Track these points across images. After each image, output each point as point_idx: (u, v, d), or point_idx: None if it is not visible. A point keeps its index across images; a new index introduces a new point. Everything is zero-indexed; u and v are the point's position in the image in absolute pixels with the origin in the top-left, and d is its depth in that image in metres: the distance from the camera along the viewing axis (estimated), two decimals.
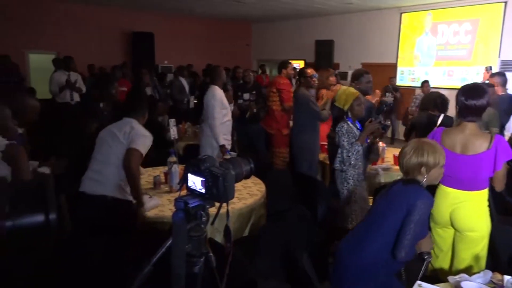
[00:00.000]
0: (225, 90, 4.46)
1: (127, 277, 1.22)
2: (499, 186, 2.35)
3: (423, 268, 2.03)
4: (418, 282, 1.86)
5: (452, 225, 2.42)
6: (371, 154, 3.43)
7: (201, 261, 1.24)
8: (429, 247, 2.09)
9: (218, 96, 4.12)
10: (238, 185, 3.12)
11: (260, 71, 11.17)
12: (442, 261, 2.55)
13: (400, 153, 2.10)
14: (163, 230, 2.62)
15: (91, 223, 2.55)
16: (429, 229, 2.40)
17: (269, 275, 2.76)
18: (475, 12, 8.06)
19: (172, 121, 4.26)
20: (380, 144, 4.33)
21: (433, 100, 3.75)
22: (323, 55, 10.72)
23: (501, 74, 4.91)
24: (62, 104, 6.57)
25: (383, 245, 1.96)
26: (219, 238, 2.67)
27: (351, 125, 3.26)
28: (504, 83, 4.73)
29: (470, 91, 2.36)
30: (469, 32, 8.17)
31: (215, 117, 4.09)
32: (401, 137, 4.05)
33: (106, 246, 2.32)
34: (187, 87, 8.09)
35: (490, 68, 6.50)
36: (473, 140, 2.33)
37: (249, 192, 3.15)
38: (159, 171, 3.49)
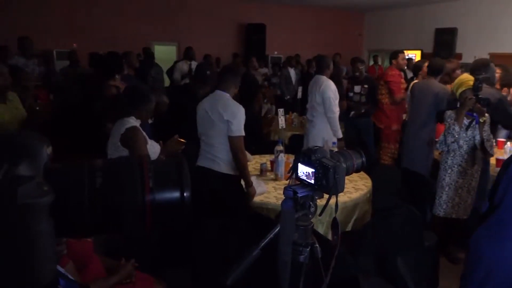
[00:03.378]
0: (337, 83, 4.34)
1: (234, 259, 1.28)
2: None
3: None
4: None
5: None
6: (483, 145, 3.11)
7: (306, 251, 1.25)
8: None
9: (333, 87, 4.06)
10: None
11: (372, 62, 10.74)
12: None
13: None
14: (267, 216, 2.71)
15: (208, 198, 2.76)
16: None
17: (371, 274, 2.68)
18: None
19: (281, 111, 4.33)
20: (509, 144, 3.89)
21: None
22: (444, 44, 9.85)
23: None
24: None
25: None
26: (321, 229, 2.67)
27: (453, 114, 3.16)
28: None
29: None
30: None
31: (334, 110, 4.03)
32: None
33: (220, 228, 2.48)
34: (294, 78, 8.15)
35: None
36: None
37: (354, 186, 3.08)
38: (266, 159, 3.58)
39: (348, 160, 1.33)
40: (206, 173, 2.84)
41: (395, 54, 5.14)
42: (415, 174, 3.71)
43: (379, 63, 10.74)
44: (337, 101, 4.09)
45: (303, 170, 1.30)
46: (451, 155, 3.17)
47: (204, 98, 2.99)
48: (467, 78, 3.17)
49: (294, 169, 1.32)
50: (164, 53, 10.53)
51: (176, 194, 0.61)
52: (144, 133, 2.48)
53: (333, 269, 1.27)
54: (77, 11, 9.67)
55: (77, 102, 5.01)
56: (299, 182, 1.33)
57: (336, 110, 4.05)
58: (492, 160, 3.51)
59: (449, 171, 3.20)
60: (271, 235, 1.23)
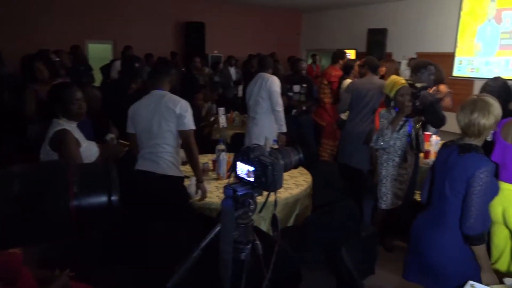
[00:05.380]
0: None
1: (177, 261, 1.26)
2: None
3: None
4: (471, 282, 1.78)
5: (506, 225, 2.29)
6: (415, 142, 3.33)
7: (247, 248, 1.26)
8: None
9: (278, 82, 4.15)
10: (284, 175, 3.15)
11: (311, 61, 11.03)
12: (500, 263, 2.43)
13: (463, 116, 1.97)
14: (210, 216, 2.69)
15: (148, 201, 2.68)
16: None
17: (313, 267, 2.76)
18: None
19: (222, 110, 4.32)
20: (434, 137, 4.17)
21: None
22: (376, 44, 10.38)
23: None
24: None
25: (456, 220, 1.94)
26: (264, 226, 2.70)
27: (393, 112, 3.28)
28: None
29: None
30: None
31: (281, 104, 4.12)
32: (450, 129, 3.83)
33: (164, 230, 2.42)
34: (234, 76, 8.18)
35: None
36: None
37: (295, 182, 3.15)
38: (208, 158, 3.56)
39: (286, 157, 1.35)
40: (147, 176, 2.75)
41: (342, 54, 5.33)
42: (352, 169, 3.88)
43: (317, 62, 11.06)
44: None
45: (242, 169, 1.31)
46: (386, 151, 3.34)
47: (136, 93, 2.88)
48: (397, 78, 3.35)
49: (234, 167, 1.33)
50: (99, 52, 10.09)
51: (103, 199, 0.58)
52: (79, 135, 2.35)
53: (274, 264, 1.29)
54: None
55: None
56: (238, 181, 1.34)
57: (282, 103, 4.14)
58: (420, 153, 3.76)
59: (384, 165, 3.36)
60: (212, 235, 1.23)
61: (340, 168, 4.13)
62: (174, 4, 11.11)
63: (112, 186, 0.60)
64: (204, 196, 2.75)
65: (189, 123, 2.69)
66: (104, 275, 2.32)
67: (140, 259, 2.47)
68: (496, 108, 1.93)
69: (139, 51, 8.97)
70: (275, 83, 4.11)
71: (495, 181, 2.01)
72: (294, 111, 5.29)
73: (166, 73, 2.81)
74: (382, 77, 4.33)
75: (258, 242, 1.31)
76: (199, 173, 2.76)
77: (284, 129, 4.16)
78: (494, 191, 1.94)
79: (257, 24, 12.43)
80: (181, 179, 2.80)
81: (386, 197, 3.39)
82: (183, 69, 6.37)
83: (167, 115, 2.67)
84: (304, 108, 5.28)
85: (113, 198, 0.59)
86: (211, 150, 3.52)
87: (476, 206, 1.85)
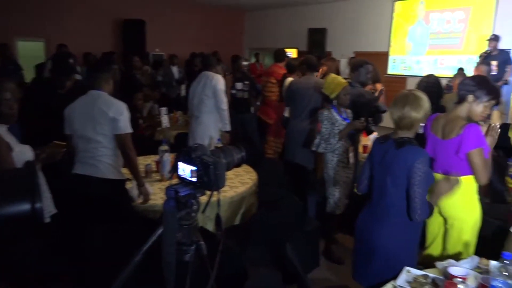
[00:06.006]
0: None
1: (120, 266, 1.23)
2: (478, 178, 2.32)
3: None
4: (407, 268, 1.88)
5: (440, 213, 2.46)
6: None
7: (191, 249, 1.25)
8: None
9: (222, 81, 4.14)
10: (229, 174, 3.13)
11: (255, 60, 11.13)
12: (432, 248, 2.59)
13: (396, 110, 2.08)
14: (155, 219, 2.63)
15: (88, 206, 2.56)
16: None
17: (260, 264, 2.79)
18: (466, 0, 8.07)
19: (164, 110, 4.24)
20: (374, 134, 4.36)
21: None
22: (316, 43, 10.68)
23: (487, 64, 5.53)
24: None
25: (400, 209, 2.05)
26: (210, 226, 2.68)
27: (333, 112, 3.32)
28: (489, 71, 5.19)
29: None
30: (462, 20, 8.19)
31: (225, 102, 4.11)
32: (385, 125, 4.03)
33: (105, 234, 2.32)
34: (177, 76, 8.05)
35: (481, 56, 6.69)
36: (451, 125, 2.37)
37: (240, 180, 3.16)
38: (151, 159, 3.48)
39: (228, 156, 1.36)
40: (85, 180, 2.62)
41: (284, 53, 5.44)
42: (297, 166, 3.97)
43: (260, 61, 11.19)
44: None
45: (184, 169, 1.30)
46: (330, 153, 3.37)
47: (70, 92, 2.75)
48: (337, 78, 3.42)
49: (175, 168, 1.31)
50: (30, 50, 9.48)
51: (26, 206, 0.55)
52: (10, 138, 2.19)
53: (220, 264, 1.29)
54: None
55: None
56: (181, 181, 1.32)
57: (226, 101, 4.15)
58: (359, 148, 3.93)
59: (329, 166, 3.39)
60: (154, 238, 1.20)
61: (285, 165, 4.21)
62: (111, 0, 10.70)
63: (36, 193, 0.56)
64: (146, 198, 2.68)
65: (124, 127, 2.60)
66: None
67: (80, 267, 2.37)
68: (425, 102, 2.06)
69: (74, 49, 8.52)
70: (220, 81, 4.11)
71: (431, 170, 2.14)
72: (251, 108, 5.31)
73: (102, 73, 2.70)
74: (324, 76, 4.46)
75: (202, 242, 1.31)
76: (139, 177, 2.68)
77: (228, 128, 4.17)
78: (431, 179, 2.07)
79: (199, 22, 12.30)
80: (122, 182, 2.70)
81: (333, 199, 3.40)
82: (116, 67, 6.09)
83: (100, 119, 2.56)
84: (252, 109, 5.34)
85: (37, 205, 0.56)
86: (155, 151, 3.44)
87: (419, 197, 1.97)
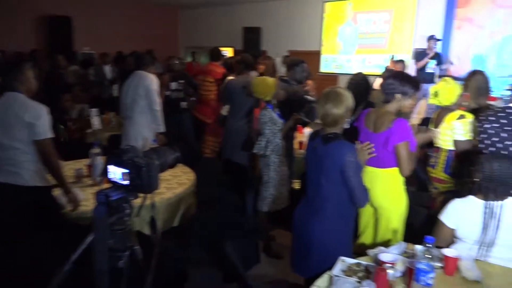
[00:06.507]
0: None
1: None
2: (401, 169, 2.46)
3: None
4: (342, 258, 1.97)
5: (370, 203, 2.60)
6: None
7: (125, 255, 1.20)
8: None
9: (156, 81, 4.02)
10: (166, 175, 3.10)
11: (192, 59, 10.98)
12: (364, 237, 2.74)
13: (319, 106, 2.17)
14: (86, 226, 2.50)
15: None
16: None
17: (200, 264, 2.77)
18: (390, 3, 8.58)
19: (94, 111, 4.04)
20: (307, 129, 4.50)
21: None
22: (251, 42, 10.78)
23: (402, 61, 6.23)
24: None
25: (334, 203, 2.14)
26: (148, 229, 2.61)
27: (272, 112, 3.36)
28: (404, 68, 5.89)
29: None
30: (387, 21, 8.69)
31: (158, 102, 3.99)
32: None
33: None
34: (109, 75, 7.73)
35: (392, 57, 7.23)
36: (381, 120, 2.52)
37: (178, 181, 3.11)
38: (82, 164, 3.31)
39: (162, 157, 1.33)
40: (6, 189, 2.42)
41: (218, 52, 5.41)
42: (235, 164, 3.98)
43: (196, 59, 11.06)
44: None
45: (115, 172, 1.25)
46: (273, 154, 3.38)
47: None
48: (264, 80, 3.43)
49: (105, 172, 1.26)
50: None
51: None
52: None
53: (158, 267, 1.26)
54: None
55: None
56: (112, 185, 1.27)
57: (159, 102, 4.04)
58: (295, 145, 4.04)
59: (271, 167, 3.38)
60: (84, 246, 1.15)
61: (223, 164, 4.21)
62: None
63: None
64: (76, 205, 2.54)
65: (43, 132, 2.43)
66: None
67: (6, 281, 2.19)
68: (346, 98, 2.14)
69: None
70: (153, 81, 4.00)
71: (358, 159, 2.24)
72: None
73: (16, 74, 2.50)
74: (262, 74, 4.52)
75: (137, 247, 1.27)
76: (64, 183, 2.52)
77: (162, 129, 4.07)
78: (361, 168, 2.18)
79: (132, 20, 11.88)
80: (47, 189, 2.53)
81: (267, 200, 3.41)
82: (29, 67, 5.66)
83: (15, 124, 2.38)
84: (185, 106, 5.24)
85: None
86: (86, 155, 3.27)
87: (357, 186, 2.09)
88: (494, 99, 3.54)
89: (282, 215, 3.37)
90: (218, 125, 4.91)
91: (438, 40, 7.18)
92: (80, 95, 5.37)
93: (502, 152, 2.53)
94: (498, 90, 6.06)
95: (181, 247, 2.70)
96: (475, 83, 3.19)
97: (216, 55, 5.52)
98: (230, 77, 4.95)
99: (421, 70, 7.09)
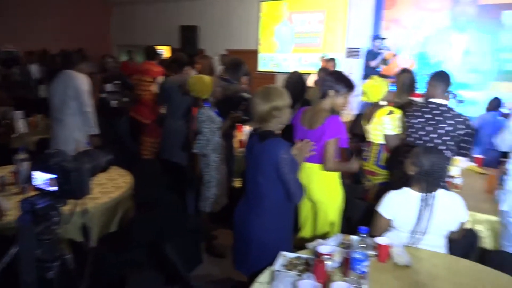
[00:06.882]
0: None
1: None
2: (325, 163, 2.56)
3: None
4: (283, 252, 2.01)
5: (308, 198, 2.68)
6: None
7: (55, 265, 1.14)
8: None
9: (86, 81, 3.80)
10: (102, 178, 2.97)
11: (128, 57, 10.57)
12: (304, 231, 2.81)
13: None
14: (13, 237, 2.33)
15: None
16: None
17: (141, 268, 2.69)
18: (323, 3, 8.88)
19: (18, 114, 3.76)
20: (247, 127, 4.53)
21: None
22: (188, 41, 10.63)
23: (333, 60, 6.56)
24: None
25: (272, 199, 2.16)
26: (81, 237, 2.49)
27: (210, 111, 3.34)
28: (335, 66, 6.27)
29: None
30: (321, 21, 8.98)
31: (90, 104, 3.78)
32: None
33: None
34: (36, 75, 7.25)
35: (324, 56, 7.44)
36: (316, 117, 2.60)
37: (114, 184, 2.99)
38: (6, 171, 3.07)
39: (93, 160, 1.27)
40: None
41: (154, 51, 5.28)
42: (174, 164, 3.91)
43: (133, 59, 10.68)
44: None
45: (42, 178, 1.17)
46: (213, 153, 3.37)
47: None
48: (201, 79, 3.40)
49: (29, 178, 1.17)
50: None
51: None
52: None
53: (94, 274, 1.21)
54: None
55: None
56: (38, 192, 1.19)
57: (90, 104, 3.85)
58: (235, 143, 4.05)
59: (212, 167, 3.39)
60: (8, 258, 1.06)
61: (162, 165, 4.11)
62: None
63: None
64: (1, 215, 2.36)
65: None
66: None
67: None
68: (275, 95, 2.15)
69: None
70: (83, 81, 3.78)
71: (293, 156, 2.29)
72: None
73: None
74: (199, 73, 4.47)
75: (68, 256, 1.20)
76: None
77: (94, 131, 3.86)
78: (296, 164, 2.22)
79: (61, 16, 11.19)
80: None
81: (209, 200, 3.41)
82: None
83: None
84: (116, 104, 5.03)
85: None
86: (12, 161, 3.04)
87: (292, 182, 2.12)
88: (419, 95, 3.78)
89: (223, 214, 3.37)
90: (158, 125, 4.81)
91: (383, 39, 7.56)
92: (3, 96, 4.97)
93: (428, 144, 2.73)
94: (422, 87, 6.52)
95: (120, 252, 2.60)
96: (401, 80, 3.41)
97: (151, 54, 5.38)
98: (160, 77, 4.87)
99: (368, 68, 7.48)
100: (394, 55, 7.66)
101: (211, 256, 3.44)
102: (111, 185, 2.97)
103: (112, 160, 1.32)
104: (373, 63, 7.51)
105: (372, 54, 7.65)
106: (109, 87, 5.02)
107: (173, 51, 9.91)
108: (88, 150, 1.31)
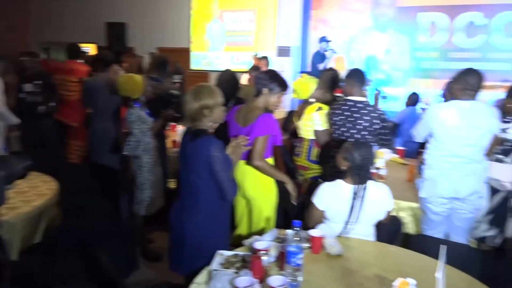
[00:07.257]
0: None
1: None
2: (251, 158, 2.57)
3: None
4: (219, 251, 2.00)
5: (243, 195, 2.70)
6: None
7: None
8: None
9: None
10: (23, 186, 2.76)
11: (47, 55, 9.90)
12: (240, 228, 2.83)
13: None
14: None
15: None
16: None
17: (71, 279, 2.55)
18: (253, 2, 8.99)
19: None
20: (180, 126, 4.46)
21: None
22: (116, 38, 10.21)
23: (265, 58, 6.70)
24: None
25: (206, 197, 2.15)
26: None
27: (140, 111, 3.25)
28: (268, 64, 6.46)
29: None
30: (252, 20, 9.08)
31: (2, 100, 3.47)
32: None
33: None
34: None
35: (256, 54, 7.61)
36: (250, 115, 2.64)
37: (37, 192, 2.78)
38: None
39: (8, 167, 1.17)
40: None
41: (77, 48, 5.00)
42: (104, 167, 3.74)
43: (50, 56, 10.03)
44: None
45: None
46: (146, 155, 3.26)
47: None
48: (131, 78, 3.26)
49: None
50: None
51: None
52: None
53: None
54: None
55: None
56: None
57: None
58: (169, 143, 3.97)
59: (145, 169, 3.27)
60: None
61: (91, 168, 3.92)
62: None
63: None
64: None
65: None
66: None
67: None
68: (205, 94, 2.14)
69: None
70: None
71: (226, 154, 2.29)
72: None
73: None
74: (127, 72, 4.30)
75: None
76: None
77: (16, 121, 3.56)
78: (229, 162, 2.23)
79: None
80: None
81: (143, 203, 3.30)
82: None
83: None
84: (42, 110, 4.70)
85: None
86: None
87: (225, 180, 2.12)
88: (341, 91, 3.97)
89: (158, 216, 3.29)
90: (85, 127, 4.56)
91: (329, 41, 7.78)
92: None
93: (350, 140, 2.87)
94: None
95: (46, 263, 2.44)
96: (325, 78, 3.54)
97: (75, 52, 5.08)
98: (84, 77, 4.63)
99: (316, 71, 7.65)
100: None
101: (147, 261, 3.34)
102: (33, 193, 2.77)
103: (31, 166, 1.23)
104: (320, 66, 7.66)
105: (319, 56, 7.87)
106: (28, 87, 4.66)
107: (99, 49, 9.47)
108: (3, 156, 1.21)
